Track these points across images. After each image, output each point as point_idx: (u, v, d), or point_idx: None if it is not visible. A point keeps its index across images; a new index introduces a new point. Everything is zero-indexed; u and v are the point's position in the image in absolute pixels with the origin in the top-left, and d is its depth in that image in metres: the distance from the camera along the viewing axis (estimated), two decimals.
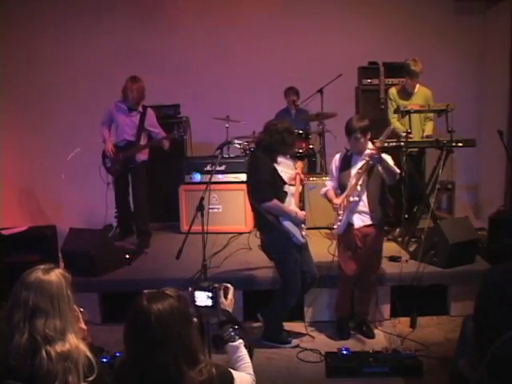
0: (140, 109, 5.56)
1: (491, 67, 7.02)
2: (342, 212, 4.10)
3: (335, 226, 4.18)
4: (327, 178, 4.56)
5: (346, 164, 4.17)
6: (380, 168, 4.02)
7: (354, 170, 4.12)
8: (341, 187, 4.17)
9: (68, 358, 1.88)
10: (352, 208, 4.07)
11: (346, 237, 4.15)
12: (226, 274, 4.63)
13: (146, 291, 1.91)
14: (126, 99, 5.51)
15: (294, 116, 6.72)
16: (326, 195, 4.27)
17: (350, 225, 4.12)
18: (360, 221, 4.10)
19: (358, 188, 4.03)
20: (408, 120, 5.20)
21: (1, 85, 6.97)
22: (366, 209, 4.08)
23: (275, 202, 3.96)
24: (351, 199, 4.05)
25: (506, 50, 6.49)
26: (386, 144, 4.89)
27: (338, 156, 4.27)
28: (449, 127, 4.90)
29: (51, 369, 1.85)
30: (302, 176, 4.39)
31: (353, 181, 4.06)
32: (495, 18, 6.95)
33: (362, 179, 4.01)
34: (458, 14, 7.16)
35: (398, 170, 4.12)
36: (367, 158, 3.98)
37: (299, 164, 4.41)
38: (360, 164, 4.08)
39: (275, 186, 4.00)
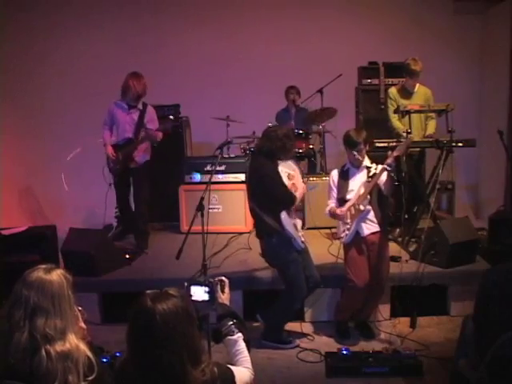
0: (140, 106, 5.46)
1: (491, 67, 7.02)
2: (349, 221, 4.06)
3: (342, 235, 4.13)
4: (327, 179, 4.54)
5: (344, 178, 4.17)
6: (384, 179, 4.00)
7: (352, 183, 4.11)
8: (340, 201, 4.15)
9: (68, 357, 1.88)
10: (362, 217, 4.04)
11: (354, 246, 4.11)
12: (225, 274, 4.61)
13: (148, 291, 1.91)
14: (125, 96, 5.41)
15: (293, 115, 6.72)
16: (330, 213, 4.20)
17: (357, 233, 4.09)
18: (366, 229, 4.09)
19: (368, 197, 4.00)
20: (408, 120, 5.19)
21: (2, 88, 6.97)
22: (372, 216, 4.07)
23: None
24: (361, 208, 4.00)
25: (505, 50, 6.49)
26: (386, 144, 4.93)
27: (334, 172, 4.25)
28: (449, 127, 4.90)
29: (51, 368, 1.85)
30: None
31: (361, 190, 4.03)
32: (495, 18, 6.95)
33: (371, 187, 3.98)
34: (457, 14, 7.17)
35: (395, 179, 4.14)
36: (384, 167, 3.94)
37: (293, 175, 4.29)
38: (359, 175, 4.09)
39: None
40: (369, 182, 4.00)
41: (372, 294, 4.22)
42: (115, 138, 5.51)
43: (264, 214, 4.01)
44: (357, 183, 4.10)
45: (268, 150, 4.04)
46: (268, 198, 3.99)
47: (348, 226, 4.08)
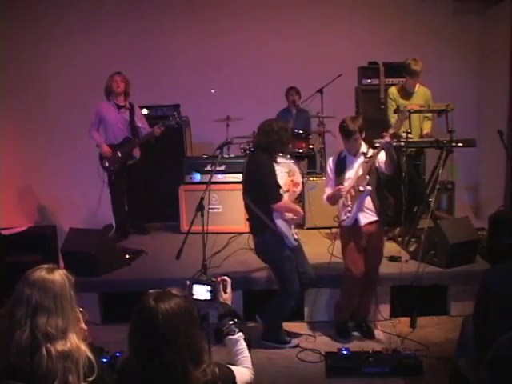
0: (128, 105, 5.65)
1: (491, 67, 7.02)
2: (350, 203, 4.05)
3: (344, 218, 4.11)
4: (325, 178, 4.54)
5: (341, 166, 4.16)
6: (383, 160, 3.98)
7: (350, 170, 4.10)
8: None
9: (68, 357, 1.88)
10: (363, 197, 4.01)
11: (351, 237, 4.11)
12: (225, 274, 4.61)
13: (151, 291, 1.91)
14: (110, 96, 5.59)
15: (294, 116, 6.73)
16: (328, 197, 4.20)
17: (355, 222, 4.09)
18: (365, 218, 4.08)
19: (367, 177, 3.97)
20: (408, 120, 5.19)
21: (2, 88, 6.97)
22: (371, 205, 4.07)
23: (284, 200, 3.98)
24: (361, 189, 3.97)
25: (505, 50, 6.49)
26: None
27: (331, 159, 4.24)
28: (449, 127, 4.90)
29: (51, 367, 1.85)
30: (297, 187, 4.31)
31: (360, 171, 4.02)
32: (495, 18, 6.95)
33: (369, 168, 3.96)
34: (457, 14, 7.17)
35: (395, 156, 4.12)
36: (381, 145, 3.93)
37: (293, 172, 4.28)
38: (357, 163, 4.08)
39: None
40: (367, 162, 3.99)
41: (367, 285, 4.22)
42: (104, 138, 5.67)
43: (257, 209, 4.01)
44: (355, 170, 4.09)
45: (265, 145, 4.03)
46: (260, 193, 3.99)
47: (349, 209, 4.07)
